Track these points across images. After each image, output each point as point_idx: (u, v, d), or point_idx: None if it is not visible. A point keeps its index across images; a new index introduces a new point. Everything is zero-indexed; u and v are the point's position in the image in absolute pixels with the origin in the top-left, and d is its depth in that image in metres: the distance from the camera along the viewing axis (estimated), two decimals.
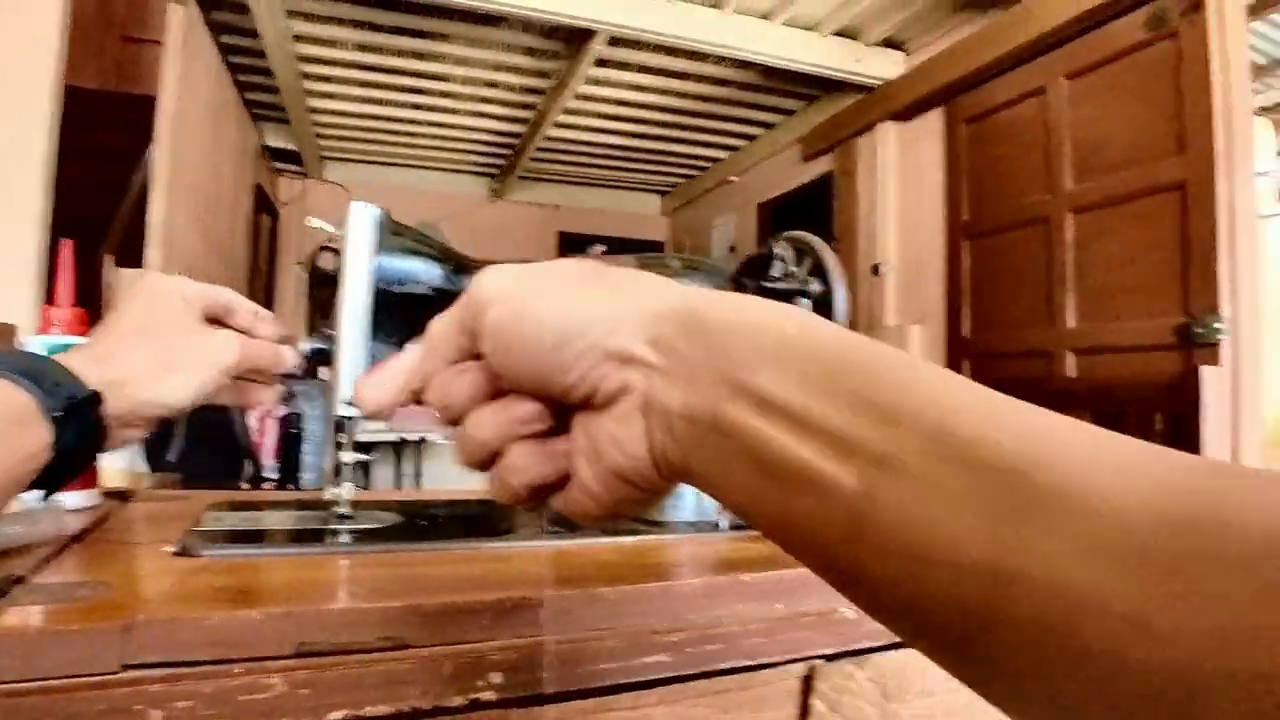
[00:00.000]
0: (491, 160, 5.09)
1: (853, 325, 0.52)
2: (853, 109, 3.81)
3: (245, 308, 0.62)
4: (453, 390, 0.30)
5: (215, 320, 0.58)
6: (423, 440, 4.66)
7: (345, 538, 0.61)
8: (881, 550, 0.21)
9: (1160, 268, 2.49)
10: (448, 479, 4.73)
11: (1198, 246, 2.38)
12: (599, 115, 4.32)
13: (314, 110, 4.23)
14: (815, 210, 4.05)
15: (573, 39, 3.45)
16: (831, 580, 0.23)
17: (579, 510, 0.29)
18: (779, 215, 4.58)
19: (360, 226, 0.64)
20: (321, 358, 0.67)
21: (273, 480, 3.02)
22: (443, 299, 0.67)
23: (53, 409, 0.44)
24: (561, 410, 0.29)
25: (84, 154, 2.42)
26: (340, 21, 3.29)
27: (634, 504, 0.28)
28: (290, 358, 0.62)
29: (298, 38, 3.38)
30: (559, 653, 0.43)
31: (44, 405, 0.44)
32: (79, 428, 0.45)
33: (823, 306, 0.79)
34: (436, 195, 5.07)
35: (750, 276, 0.79)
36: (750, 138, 4.69)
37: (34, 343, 0.66)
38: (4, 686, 0.36)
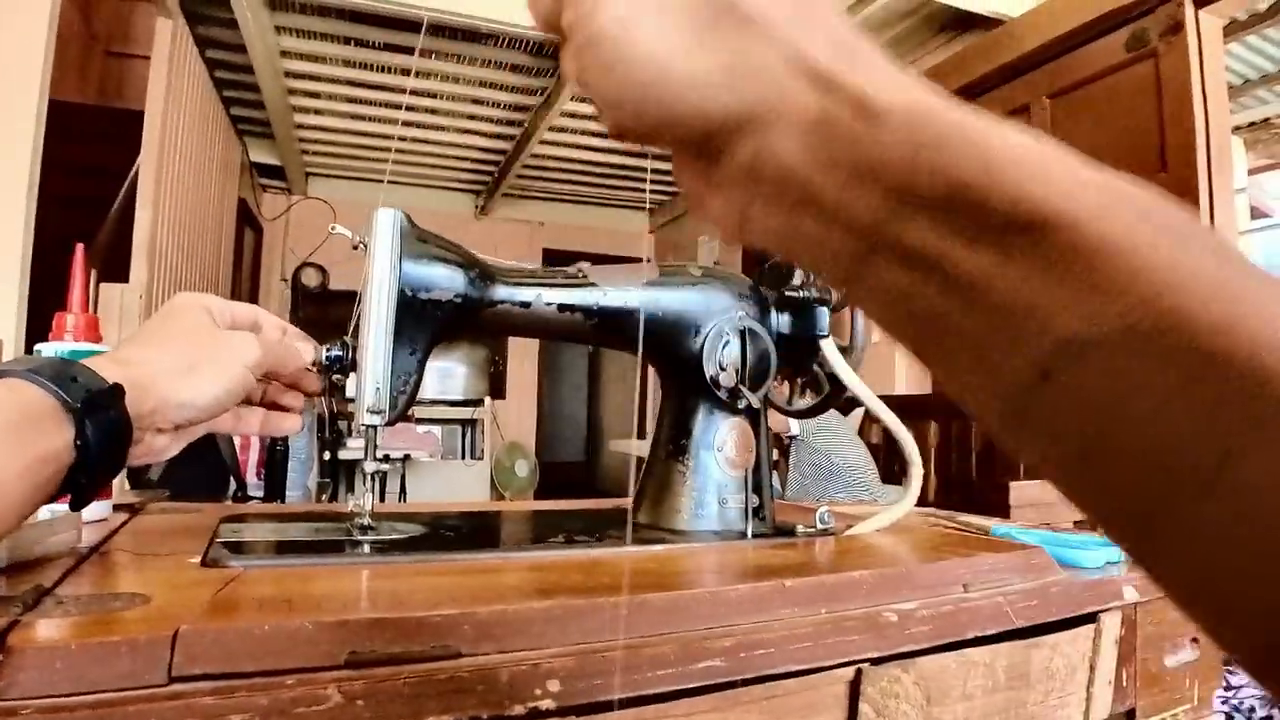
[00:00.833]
0: (477, 177, 5.09)
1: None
2: None
3: (272, 322, 0.62)
4: None
5: None
6: (407, 458, 4.62)
7: (370, 548, 0.59)
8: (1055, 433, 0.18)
9: None
10: (432, 497, 4.69)
11: None
12: (585, 132, 4.33)
13: (300, 126, 4.22)
14: None
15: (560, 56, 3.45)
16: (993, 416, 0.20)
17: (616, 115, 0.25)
18: None
19: (385, 233, 0.63)
20: (338, 366, 0.66)
21: (257, 498, 2.97)
22: (467, 306, 0.66)
23: (71, 403, 0.42)
24: None
25: (68, 168, 2.39)
26: (327, 38, 3.28)
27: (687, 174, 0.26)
28: (311, 354, 0.62)
29: (285, 53, 3.37)
30: (615, 659, 0.42)
31: (62, 400, 0.41)
32: (101, 424, 0.43)
33: (842, 316, 0.79)
34: (422, 212, 5.01)
35: (771, 285, 0.79)
36: None
37: (47, 349, 0.64)
38: (49, 701, 0.35)
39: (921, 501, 1.41)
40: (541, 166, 4.87)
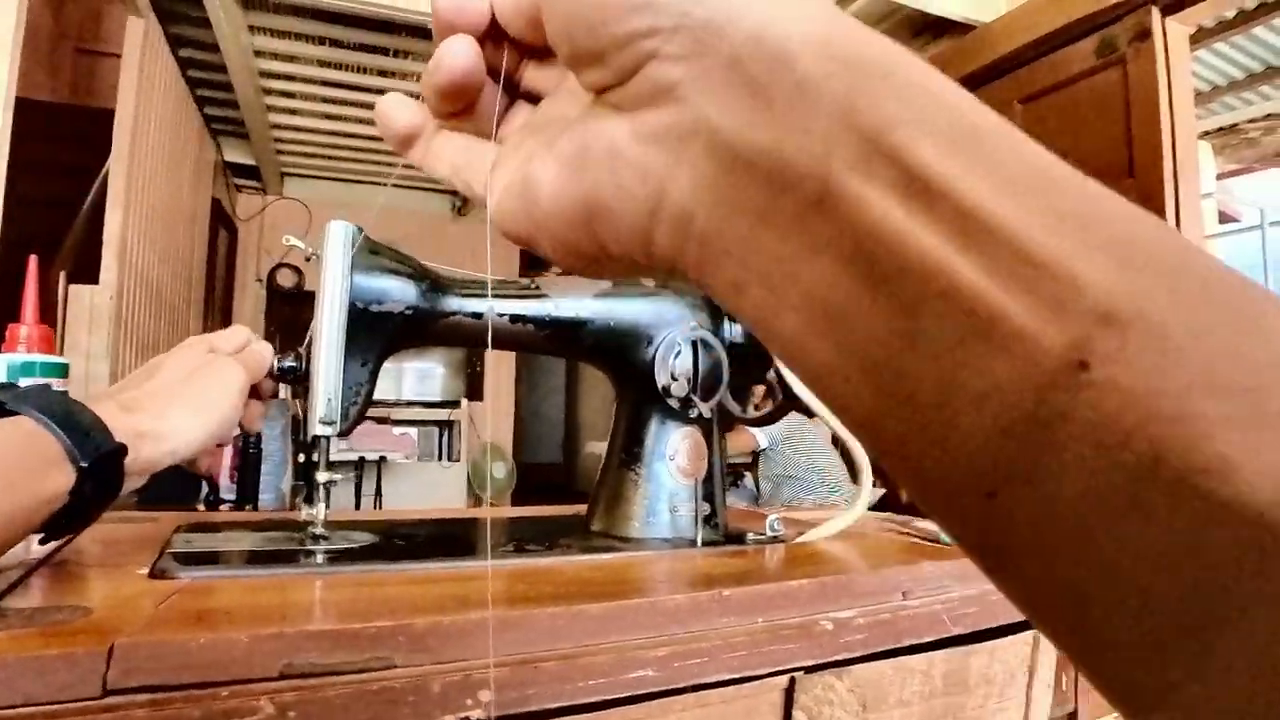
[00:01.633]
0: None
1: None
2: None
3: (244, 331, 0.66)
4: None
5: None
6: (383, 459, 4.61)
7: (322, 558, 0.60)
8: (1092, 447, 0.14)
9: None
10: (407, 499, 4.68)
11: None
12: None
13: (275, 126, 4.19)
14: None
15: None
16: (934, 500, 0.17)
17: (499, 214, 0.22)
18: None
19: (336, 245, 0.64)
20: (290, 376, 0.67)
21: (229, 501, 2.95)
22: (418, 318, 0.67)
23: (80, 459, 0.44)
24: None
25: (37, 168, 2.37)
26: (302, 38, 3.27)
27: (571, 256, 0.22)
28: (269, 356, 0.66)
29: (259, 53, 3.35)
30: (547, 669, 0.43)
31: (71, 455, 0.44)
32: (100, 479, 0.46)
33: None
34: (399, 212, 5.03)
35: None
36: None
37: (1, 360, 0.64)
38: None
39: (889, 506, 1.43)
40: None
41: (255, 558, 0.61)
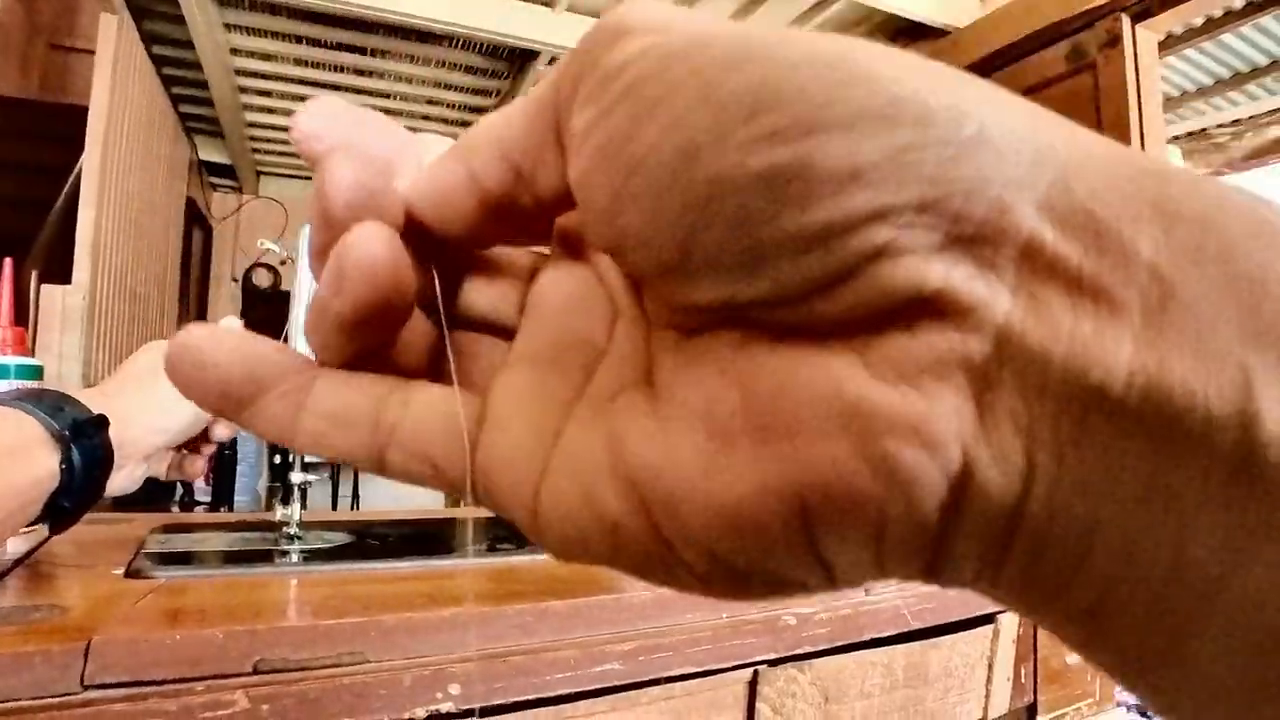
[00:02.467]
0: None
1: None
2: None
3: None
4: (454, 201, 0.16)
5: None
6: None
7: (296, 557, 0.61)
8: None
9: None
10: (385, 500, 4.66)
11: None
12: None
13: (251, 125, 4.16)
14: None
15: (515, 59, 3.47)
16: None
17: (561, 540, 0.14)
18: None
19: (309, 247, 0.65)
20: None
21: (204, 504, 2.93)
22: None
23: (59, 430, 0.45)
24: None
25: (7, 165, 2.35)
26: (279, 36, 3.25)
27: (733, 579, 0.13)
28: None
29: (235, 51, 3.33)
30: (515, 664, 0.44)
31: (51, 429, 0.45)
32: (86, 451, 0.46)
33: None
34: None
35: None
36: None
37: None
38: None
39: None
40: None
41: (230, 557, 0.62)
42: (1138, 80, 2.67)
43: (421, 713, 0.41)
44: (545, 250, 0.18)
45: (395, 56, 3.45)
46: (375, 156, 0.16)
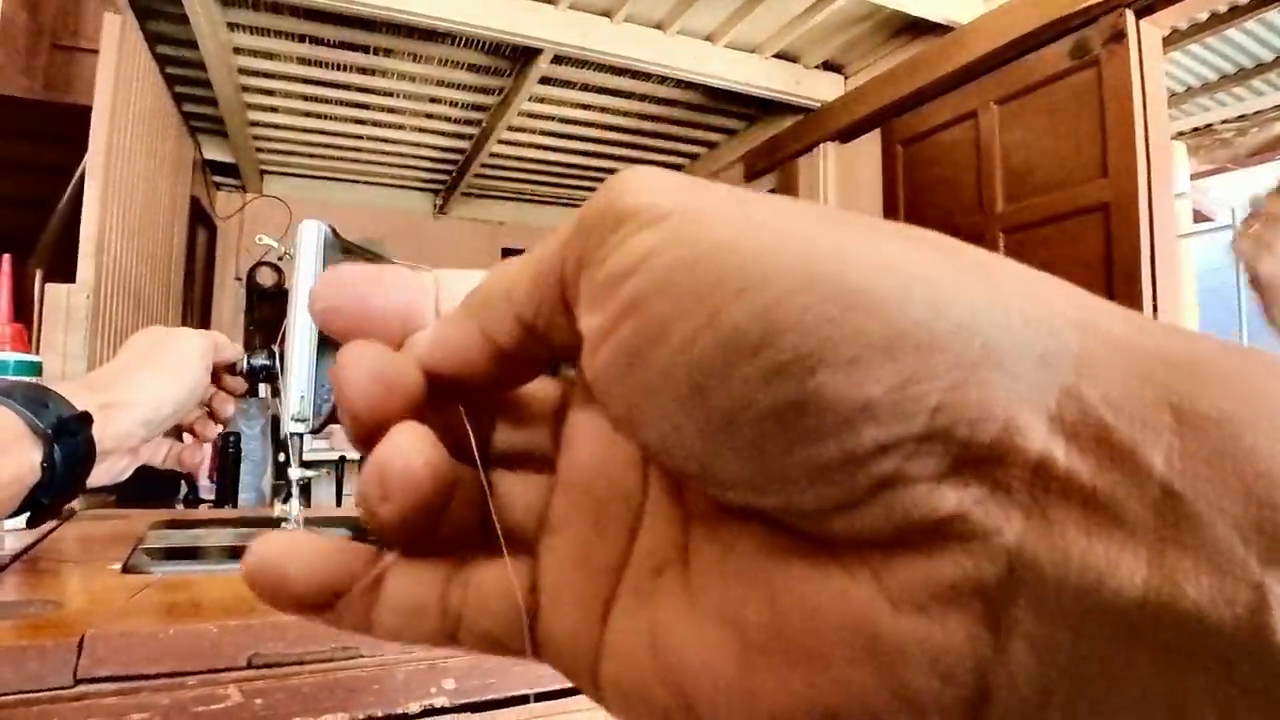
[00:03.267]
0: (435, 176, 5.07)
1: None
2: (793, 130, 3.89)
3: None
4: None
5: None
6: (364, 459, 4.59)
7: None
8: None
9: (1087, 285, 2.59)
10: None
11: (1122, 265, 2.49)
12: (543, 133, 4.33)
13: (254, 124, 4.17)
14: None
15: (518, 56, 3.47)
16: None
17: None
18: None
19: (309, 244, 0.65)
20: (264, 375, 0.68)
21: (209, 501, 2.95)
22: None
23: (42, 427, 0.45)
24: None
25: (11, 165, 2.36)
26: (282, 35, 3.26)
27: None
28: (237, 353, 0.67)
29: (238, 50, 3.34)
30: (508, 659, 0.44)
31: (33, 426, 0.45)
32: (68, 449, 0.46)
33: None
34: (379, 211, 5.02)
35: None
36: (693, 156, 4.76)
37: None
38: None
39: None
40: (500, 166, 4.86)
41: (227, 553, 0.62)
42: (1142, 76, 2.67)
43: (415, 707, 0.41)
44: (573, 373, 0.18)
45: (398, 55, 3.45)
46: (390, 319, 0.17)
